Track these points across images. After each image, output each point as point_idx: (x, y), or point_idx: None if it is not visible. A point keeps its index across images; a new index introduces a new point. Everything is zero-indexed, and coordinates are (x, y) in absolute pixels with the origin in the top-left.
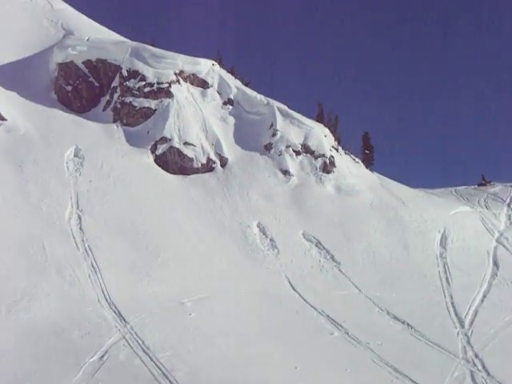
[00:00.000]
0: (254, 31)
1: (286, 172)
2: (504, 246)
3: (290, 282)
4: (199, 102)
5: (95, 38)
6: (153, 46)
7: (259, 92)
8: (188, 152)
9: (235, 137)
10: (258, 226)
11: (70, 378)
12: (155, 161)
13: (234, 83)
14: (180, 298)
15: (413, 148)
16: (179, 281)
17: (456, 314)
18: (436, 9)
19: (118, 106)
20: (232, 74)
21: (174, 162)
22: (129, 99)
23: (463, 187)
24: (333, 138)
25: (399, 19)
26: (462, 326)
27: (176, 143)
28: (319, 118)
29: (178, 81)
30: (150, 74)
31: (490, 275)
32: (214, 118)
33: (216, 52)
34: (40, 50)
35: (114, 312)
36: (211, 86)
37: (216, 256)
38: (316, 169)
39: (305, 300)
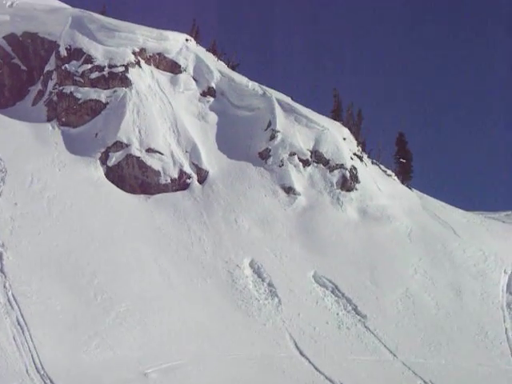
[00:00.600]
0: None
1: (289, 189)
2: None
3: (296, 343)
4: (168, 93)
5: (21, 2)
6: (103, 14)
7: (251, 78)
8: (152, 162)
9: (218, 141)
10: (252, 265)
11: None
12: (106, 175)
13: (216, 66)
14: (142, 367)
15: (466, 156)
16: (141, 343)
17: None
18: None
19: (54, 98)
20: (213, 54)
21: (132, 176)
22: (69, 89)
23: None
24: (355, 142)
25: None
26: None
27: (135, 150)
28: (336, 115)
29: (138, 63)
30: (98, 53)
31: None
32: (189, 115)
33: (191, 22)
34: None
35: None
36: (184, 69)
37: (192, 308)
38: (331, 185)
39: (317, 369)
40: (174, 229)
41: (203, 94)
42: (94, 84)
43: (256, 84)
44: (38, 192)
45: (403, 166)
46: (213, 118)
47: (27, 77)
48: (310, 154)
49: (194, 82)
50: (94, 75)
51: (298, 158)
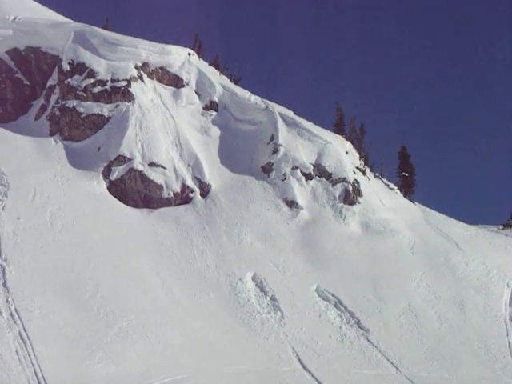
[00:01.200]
0: (247, 8)
1: (292, 203)
2: None
3: (299, 357)
4: (170, 107)
5: (24, 17)
6: (105, 29)
7: (254, 92)
8: (155, 177)
9: (221, 155)
10: (254, 279)
11: None
12: (109, 189)
13: (218, 80)
14: (145, 382)
15: (469, 169)
16: (144, 357)
17: None
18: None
19: (57, 112)
20: (216, 68)
21: (135, 190)
22: (72, 103)
23: None
24: (357, 156)
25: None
26: None
27: (138, 164)
28: (338, 128)
29: (141, 77)
30: (101, 67)
31: None
32: (192, 129)
33: (193, 37)
34: None
35: None
36: (187, 84)
37: (195, 322)
38: (334, 199)
39: (320, 383)
40: (177, 243)
41: (206, 108)
42: (96, 98)
43: (258, 98)
44: (41, 206)
45: (406, 179)
46: (215, 131)
47: (30, 91)
48: (312, 167)
49: (196, 96)
50: (96, 89)
51: (301, 172)
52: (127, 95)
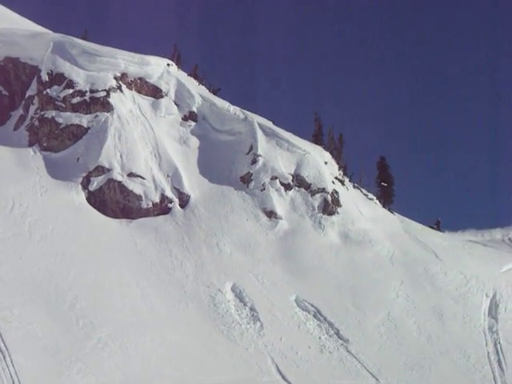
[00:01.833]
0: (226, 16)
1: (271, 213)
2: None
3: (278, 368)
4: (149, 117)
5: (2, 28)
6: (84, 39)
7: (233, 103)
8: (134, 187)
9: (200, 165)
10: (233, 289)
11: None
12: (88, 199)
13: (197, 91)
14: None
15: (447, 178)
16: (123, 368)
17: None
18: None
19: (36, 123)
20: (195, 78)
21: (114, 200)
22: (51, 114)
23: None
24: (336, 166)
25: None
26: None
27: (117, 175)
28: (317, 139)
29: (120, 87)
30: (80, 78)
31: None
32: (171, 140)
33: (172, 47)
34: None
35: None
36: (166, 94)
37: (174, 332)
38: (313, 209)
39: None
40: (156, 253)
41: (185, 119)
42: (75, 109)
43: (237, 108)
44: (20, 217)
45: (384, 189)
46: (194, 142)
47: (9, 102)
48: (291, 178)
49: (175, 107)
50: (75, 100)
51: (280, 182)
52: (106, 106)
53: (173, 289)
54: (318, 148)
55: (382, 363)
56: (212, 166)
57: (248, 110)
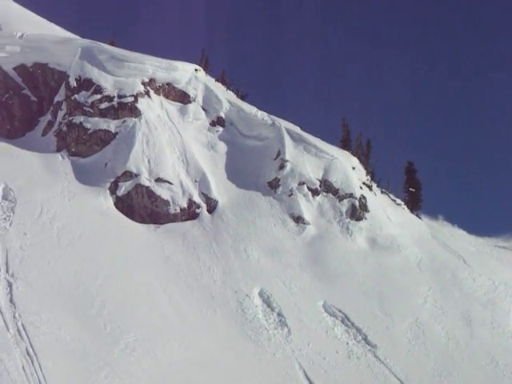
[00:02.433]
0: (254, 23)
1: (299, 219)
2: None
3: (305, 373)
4: (177, 123)
5: (31, 34)
6: (112, 45)
7: (260, 108)
8: (162, 192)
9: (228, 170)
10: (261, 294)
11: None
12: (116, 204)
13: (225, 96)
14: None
15: (478, 183)
16: (150, 373)
17: None
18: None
19: (64, 128)
20: (223, 84)
21: (141, 206)
22: (79, 119)
23: None
24: (364, 172)
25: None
26: None
27: (145, 180)
28: (345, 144)
29: (148, 93)
30: (108, 83)
31: None
32: (199, 145)
33: (200, 53)
34: None
35: None
36: (194, 99)
37: (202, 337)
38: (341, 214)
39: None
40: (184, 258)
41: (212, 124)
42: (103, 114)
43: (265, 114)
44: (48, 222)
45: (412, 194)
46: (222, 147)
47: (37, 107)
48: (319, 183)
49: (203, 112)
50: (103, 105)
51: (308, 188)
52: (134, 111)
53: (200, 294)
54: (346, 153)
55: (410, 369)
56: (239, 171)
57: (275, 116)
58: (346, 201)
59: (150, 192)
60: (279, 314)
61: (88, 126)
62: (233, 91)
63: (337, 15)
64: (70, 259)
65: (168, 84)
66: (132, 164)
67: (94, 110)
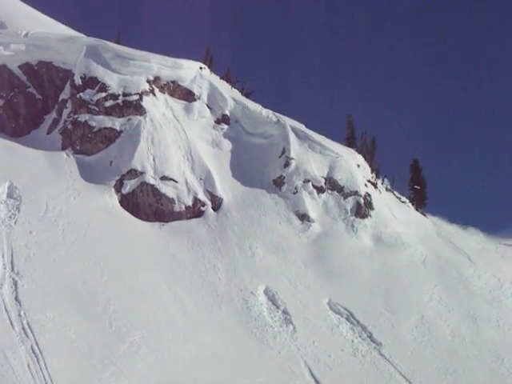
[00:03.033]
0: (258, 21)
1: (304, 216)
2: None
3: (311, 371)
4: (182, 121)
5: (36, 32)
6: (117, 43)
7: (265, 106)
8: (167, 190)
9: (233, 168)
10: (266, 292)
11: None
12: (121, 202)
13: (230, 94)
14: None
15: (482, 181)
16: (156, 371)
17: None
18: None
19: (69, 126)
20: (227, 82)
21: (147, 203)
22: (84, 117)
23: None
24: (369, 169)
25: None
26: None
27: (150, 178)
28: (350, 142)
29: (153, 91)
30: (113, 81)
31: None
32: (204, 143)
33: (205, 51)
34: None
35: None
36: (199, 97)
37: (207, 335)
38: (346, 212)
39: None
40: (189, 256)
41: (217, 122)
42: (108, 112)
43: (270, 111)
44: (53, 220)
45: (417, 192)
46: (227, 145)
47: (42, 105)
48: (324, 180)
49: (208, 110)
50: (108, 103)
51: (313, 185)
52: (139, 109)
53: (205, 292)
54: (351, 151)
55: (416, 367)
56: (244, 168)
57: (280, 113)
58: (350, 198)
59: (155, 190)
60: (284, 312)
61: (93, 124)
62: (238, 89)
63: (342, 13)
64: (75, 257)
65: (173, 82)
66: (137, 162)
67: (99, 108)
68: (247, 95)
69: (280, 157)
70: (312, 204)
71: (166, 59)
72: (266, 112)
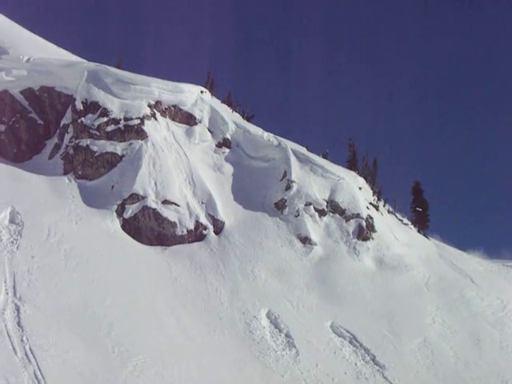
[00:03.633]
0: (259, 45)
1: (305, 239)
2: None
3: None
4: (183, 144)
5: (38, 57)
6: (118, 68)
7: (266, 129)
8: (169, 214)
9: (234, 192)
10: (268, 316)
11: None
12: (123, 227)
13: (231, 117)
14: None
15: (483, 203)
16: None
17: None
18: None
19: (71, 151)
20: (228, 105)
21: (149, 227)
22: (85, 142)
23: None
24: (371, 192)
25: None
26: None
27: (152, 202)
28: (351, 164)
29: (154, 115)
30: (114, 106)
31: None
32: (205, 166)
33: (206, 75)
34: None
35: None
36: (200, 121)
37: (210, 360)
38: (348, 234)
39: None
40: (191, 280)
41: (218, 146)
42: (109, 137)
43: (271, 135)
44: (55, 245)
45: (419, 214)
46: (228, 169)
47: (44, 131)
48: (325, 203)
49: (209, 134)
50: (109, 128)
51: (314, 208)
52: (140, 133)
53: (208, 316)
54: (352, 173)
55: None
56: (246, 192)
57: (281, 137)
58: (352, 221)
59: (156, 214)
60: (287, 335)
61: (95, 148)
62: (239, 113)
63: (343, 38)
64: (77, 282)
65: (174, 106)
66: (139, 186)
67: (100, 133)
68: (248, 119)
69: (281, 180)
70: (314, 227)
71: (166, 83)
72: (268, 135)
